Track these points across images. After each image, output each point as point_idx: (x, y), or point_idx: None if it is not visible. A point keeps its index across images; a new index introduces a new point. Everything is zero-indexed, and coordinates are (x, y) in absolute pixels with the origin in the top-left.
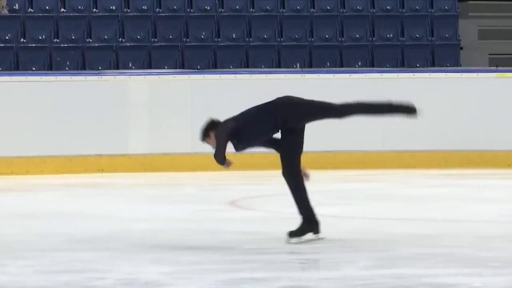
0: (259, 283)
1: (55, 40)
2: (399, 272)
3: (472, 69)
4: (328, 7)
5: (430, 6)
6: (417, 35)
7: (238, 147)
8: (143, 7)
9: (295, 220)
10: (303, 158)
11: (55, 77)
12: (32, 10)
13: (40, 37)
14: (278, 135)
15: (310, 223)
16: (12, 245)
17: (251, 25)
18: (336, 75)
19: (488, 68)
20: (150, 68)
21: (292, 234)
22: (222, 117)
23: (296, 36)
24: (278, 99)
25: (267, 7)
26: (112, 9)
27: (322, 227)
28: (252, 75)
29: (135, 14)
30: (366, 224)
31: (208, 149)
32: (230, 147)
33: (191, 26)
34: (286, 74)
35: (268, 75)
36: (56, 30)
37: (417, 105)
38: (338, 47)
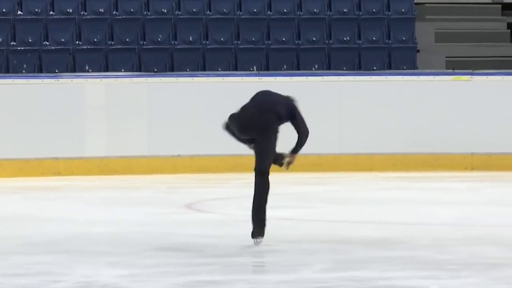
0: (216, 285)
1: (11, 43)
2: (356, 275)
3: (429, 72)
4: (285, 10)
5: (387, 8)
6: (374, 38)
7: None
8: (100, 10)
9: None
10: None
11: (12, 80)
12: None
13: None
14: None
15: (263, 226)
16: None
17: (208, 27)
18: (293, 78)
19: (445, 71)
20: (107, 71)
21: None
22: (176, 121)
23: (253, 39)
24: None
25: (224, 10)
26: (69, 12)
27: (279, 230)
28: (209, 78)
29: (92, 17)
30: (323, 227)
31: (165, 152)
32: None
33: (148, 29)
34: (243, 77)
35: (225, 77)
36: (13, 33)
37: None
38: (295, 50)
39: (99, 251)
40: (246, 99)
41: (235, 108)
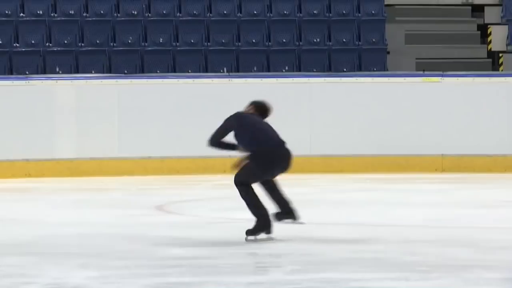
0: (187, 287)
1: None
2: (327, 276)
3: (399, 73)
4: (255, 12)
5: (357, 10)
6: (344, 40)
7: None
8: (70, 12)
9: (222, 224)
10: (225, 163)
11: None
12: None
13: None
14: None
15: (263, 223)
16: None
17: (178, 29)
18: (263, 79)
19: (415, 73)
20: (77, 72)
21: (248, 232)
22: (147, 123)
23: (223, 41)
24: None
25: (194, 12)
26: (39, 13)
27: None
28: (180, 80)
29: (62, 18)
30: (294, 228)
31: (135, 153)
32: None
33: (118, 31)
34: (213, 79)
35: (195, 79)
36: None
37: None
38: (265, 52)
39: (69, 253)
40: (216, 101)
41: (205, 109)
